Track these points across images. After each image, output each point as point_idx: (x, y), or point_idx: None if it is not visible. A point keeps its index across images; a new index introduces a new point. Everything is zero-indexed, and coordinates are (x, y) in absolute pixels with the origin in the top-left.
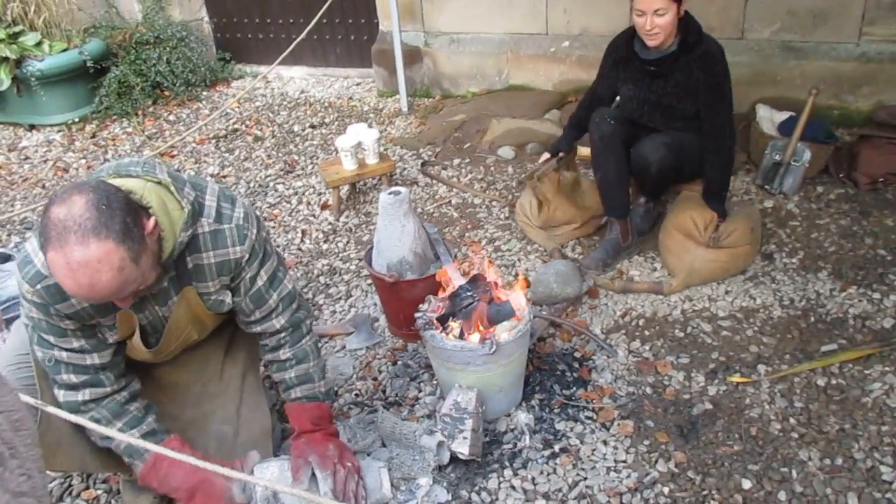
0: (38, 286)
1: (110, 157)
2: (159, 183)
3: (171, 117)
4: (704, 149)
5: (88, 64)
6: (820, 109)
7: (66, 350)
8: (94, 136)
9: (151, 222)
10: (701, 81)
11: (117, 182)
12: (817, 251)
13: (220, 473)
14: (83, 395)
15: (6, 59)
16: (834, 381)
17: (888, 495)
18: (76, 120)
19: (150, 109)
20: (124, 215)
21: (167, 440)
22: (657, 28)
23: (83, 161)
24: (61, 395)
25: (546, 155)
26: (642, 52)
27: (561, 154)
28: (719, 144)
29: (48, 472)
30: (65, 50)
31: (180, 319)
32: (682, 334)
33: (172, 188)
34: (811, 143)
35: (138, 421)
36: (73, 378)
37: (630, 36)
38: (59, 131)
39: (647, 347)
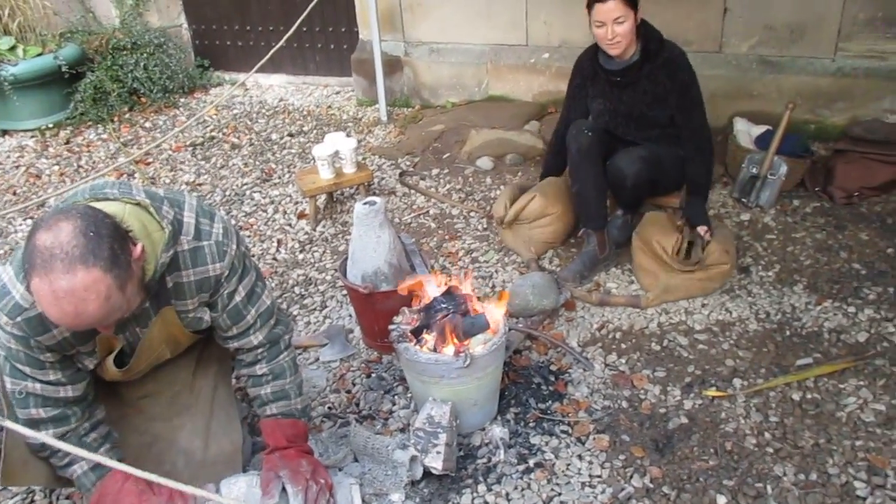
0: (19, 318)
1: (84, 164)
2: (138, 204)
3: (148, 124)
4: (684, 153)
5: (63, 69)
6: (796, 123)
7: (42, 382)
8: (68, 142)
9: (139, 249)
10: (668, 88)
11: (96, 206)
12: (793, 265)
13: (180, 490)
14: (45, 432)
15: None
16: (809, 396)
17: None
18: (50, 126)
19: (127, 116)
20: (112, 242)
21: (111, 475)
22: (618, 37)
23: (56, 167)
24: (18, 427)
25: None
26: (607, 64)
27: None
28: (699, 145)
29: (16, 486)
30: (40, 54)
31: (153, 339)
32: (658, 347)
33: (151, 209)
34: (788, 157)
35: (92, 451)
36: (42, 413)
37: (593, 52)
38: (32, 137)
39: (624, 361)
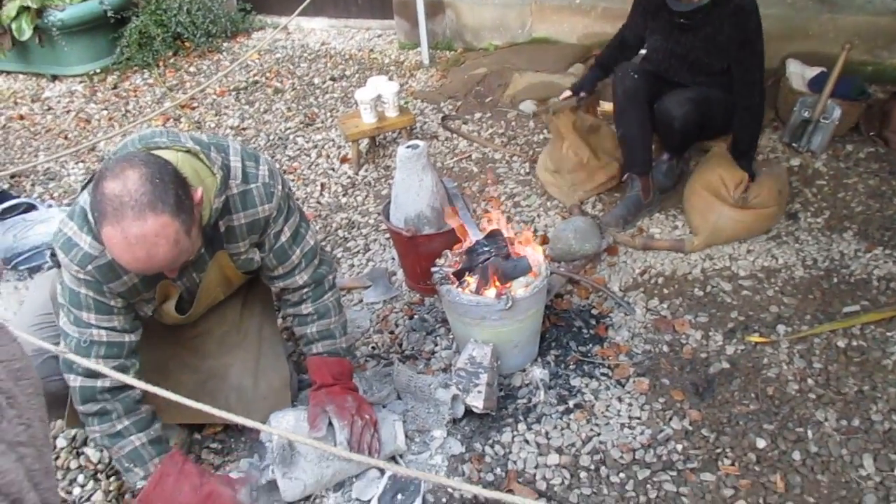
0: (90, 267)
1: (131, 108)
2: (188, 151)
3: (192, 69)
4: (734, 105)
5: (109, 14)
6: (853, 65)
7: (106, 329)
8: (115, 86)
9: (199, 193)
10: (732, 38)
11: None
12: (843, 211)
13: (225, 483)
14: (103, 382)
15: (27, 8)
16: (854, 343)
17: None
18: (98, 71)
19: (171, 61)
20: (176, 188)
21: (171, 455)
22: None
23: (105, 112)
24: (78, 380)
25: (567, 92)
26: (673, 3)
27: (583, 94)
28: (749, 102)
29: (77, 429)
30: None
31: (211, 282)
32: (701, 293)
33: (202, 155)
34: (842, 101)
35: (147, 424)
36: (102, 363)
37: None
38: (80, 82)
39: (666, 306)
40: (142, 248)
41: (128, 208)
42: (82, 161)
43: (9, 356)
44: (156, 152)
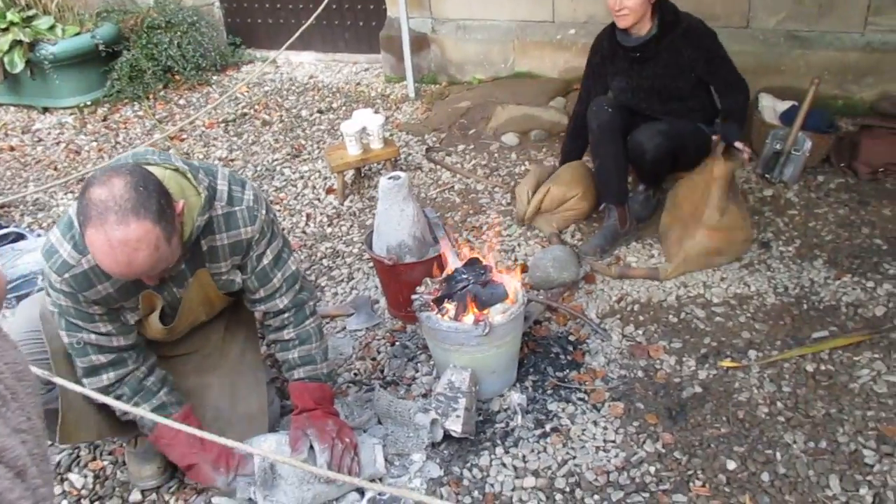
0: (66, 275)
1: (121, 140)
2: (176, 170)
3: (182, 101)
4: (719, 94)
5: (101, 48)
6: (824, 99)
7: (95, 334)
8: (105, 119)
9: (180, 205)
10: (695, 58)
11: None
12: (814, 240)
13: (210, 457)
14: (108, 377)
15: (20, 42)
16: (823, 367)
17: (869, 478)
18: (88, 103)
19: (161, 93)
20: (159, 197)
21: (175, 414)
22: (626, 9)
23: (94, 143)
24: (86, 383)
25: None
26: (625, 41)
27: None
28: (734, 84)
29: (71, 444)
30: (77, 34)
31: (193, 300)
32: (675, 319)
33: (189, 175)
34: (812, 133)
35: (152, 395)
36: (101, 358)
37: (611, 30)
38: (71, 114)
39: (641, 332)
40: (123, 251)
41: (112, 213)
42: (71, 192)
43: (12, 359)
44: (145, 167)
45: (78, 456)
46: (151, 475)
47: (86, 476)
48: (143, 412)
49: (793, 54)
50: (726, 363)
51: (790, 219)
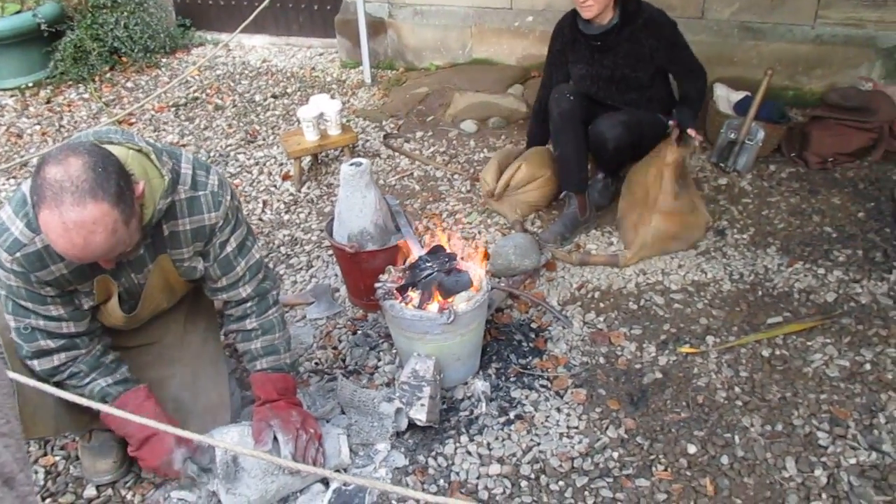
0: (18, 254)
1: (66, 123)
2: (139, 150)
3: (130, 84)
4: (677, 80)
5: (43, 27)
6: (775, 90)
7: (44, 318)
8: (48, 101)
9: (140, 187)
10: (656, 47)
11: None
12: (767, 228)
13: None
14: (58, 358)
15: None
16: (778, 352)
17: (823, 459)
18: (30, 84)
19: (108, 75)
20: (118, 179)
21: (136, 389)
22: (590, 0)
23: (37, 127)
24: (35, 364)
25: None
26: (587, 29)
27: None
28: (692, 70)
29: (27, 440)
30: (18, 11)
31: (154, 287)
32: (635, 306)
33: (153, 156)
34: (765, 123)
35: (112, 370)
36: (51, 343)
37: (572, 17)
38: (12, 96)
39: (602, 319)
40: (79, 234)
41: (67, 193)
42: (13, 177)
43: None
44: (107, 146)
45: (27, 452)
46: (107, 470)
47: (36, 472)
48: (105, 383)
49: (746, 45)
50: (685, 349)
51: (744, 207)
